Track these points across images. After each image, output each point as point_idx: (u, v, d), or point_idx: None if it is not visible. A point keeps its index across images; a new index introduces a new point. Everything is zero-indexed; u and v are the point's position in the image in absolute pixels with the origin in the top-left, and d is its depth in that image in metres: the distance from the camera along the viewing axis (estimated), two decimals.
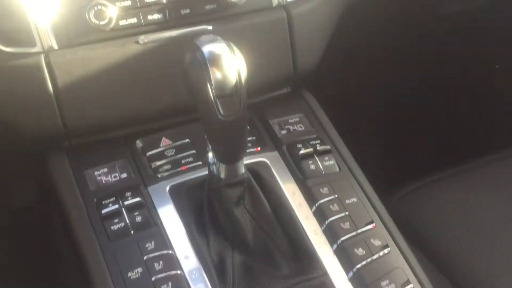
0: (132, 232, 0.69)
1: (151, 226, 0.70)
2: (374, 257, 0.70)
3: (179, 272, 0.66)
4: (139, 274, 0.65)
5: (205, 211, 0.73)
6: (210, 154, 0.70)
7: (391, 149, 1.37)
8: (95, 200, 0.72)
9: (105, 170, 0.75)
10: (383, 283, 0.67)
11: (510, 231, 0.98)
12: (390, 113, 1.37)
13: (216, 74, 0.60)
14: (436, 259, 0.92)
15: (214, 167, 0.71)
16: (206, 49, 0.61)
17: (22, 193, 1.16)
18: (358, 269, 0.69)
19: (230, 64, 0.61)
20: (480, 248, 0.96)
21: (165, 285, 0.65)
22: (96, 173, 0.75)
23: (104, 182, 0.74)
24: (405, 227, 0.78)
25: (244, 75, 0.62)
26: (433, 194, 1.07)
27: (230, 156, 0.68)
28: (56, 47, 0.72)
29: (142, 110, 0.78)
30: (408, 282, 0.69)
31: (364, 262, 0.69)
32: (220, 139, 0.65)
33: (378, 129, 1.35)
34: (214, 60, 0.60)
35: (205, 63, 0.60)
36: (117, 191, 0.73)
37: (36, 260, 1.09)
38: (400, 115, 1.37)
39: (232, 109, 0.62)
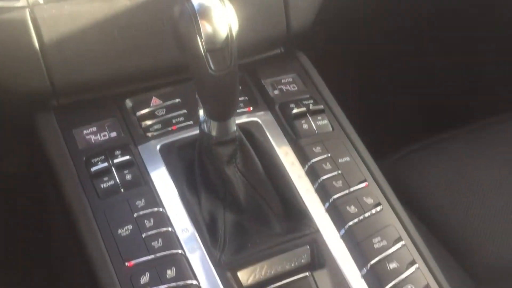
0: (122, 190, 0.68)
1: (141, 185, 0.69)
2: (366, 214, 0.70)
3: (169, 229, 0.66)
4: (129, 231, 0.65)
5: (196, 170, 0.72)
6: (201, 112, 0.69)
7: (384, 113, 1.36)
8: (84, 158, 0.71)
9: (94, 129, 0.74)
10: (375, 240, 0.67)
11: (502, 192, 0.99)
12: (385, 76, 1.35)
13: (206, 27, 0.58)
14: (427, 220, 0.93)
15: (205, 125, 0.70)
16: (196, 1, 0.59)
17: (13, 158, 1.15)
18: (350, 226, 0.68)
19: (221, 17, 0.59)
20: (472, 208, 0.97)
21: (156, 242, 0.64)
22: (85, 132, 0.74)
23: (93, 141, 0.73)
24: (397, 189, 0.78)
25: (235, 29, 0.60)
26: (426, 158, 1.07)
27: (221, 113, 0.67)
28: (41, 1, 0.70)
29: (131, 68, 0.76)
30: (399, 239, 0.68)
31: (356, 220, 0.69)
32: (211, 95, 0.64)
33: (372, 92, 1.34)
34: (204, 12, 0.59)
35: (194, 15, 0.58)
36: (107, 150, 0.71)
37: (27, 225, 1.09)
38: (394, 78, 1.36)
39: (223, 64, 0.61)
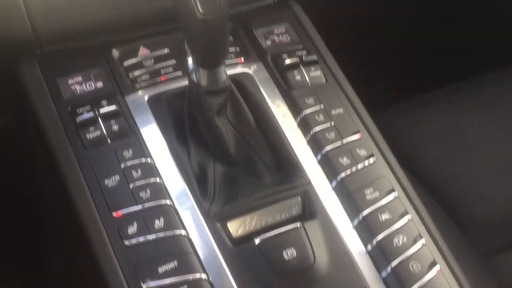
0: (108, 140, 0.66)
1: (129, 135, 0.67)
2: (359, 166, 0.68)
3: (158, 180, 0.64)
4: (116, 181, 0.63)
5: (186, 121, 0.70)
6: (190, 60, 0.67)
7: (378, 68, 1.34)
8: (69, 108, 0.68)
9: (79, 79, 0.71)
10: (367, 191, 0.66)
11: (493, 147, 0.99)
12: (381, 32, 1.32)
13: None
14: (418, 173, 0.92)
15: (194, 74, 0.67)
16: None
17: (1, 114, 1.13)
18: (342, 178, 0.67)
19: None
20: (463, 162, 0.97)
21: (144, 192, 0.63)
22: (69, 81, 0.71)
23: (78, 91, 0.70)
24: (389, 144, 0.78)
25: None
26: (419, 114, 1.06)
27: (210, 59, 0.64)
28: None
29: (117, 15, 0.73)
30: (392, 190, 0.67)
31: (348, 171, 0.68)
32: (199, 40, 0.61)
33: (366, 47, 1.31)
34: None
35: None
36: (92, 100, 0.69)
37: (14, 183, 1.07)
38: (389, 33, 1.33)
39: (211, 6, 0.58)
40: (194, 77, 0.67)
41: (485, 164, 0.99)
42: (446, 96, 1.11)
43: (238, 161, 0.71)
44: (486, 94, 1.11)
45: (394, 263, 0.62)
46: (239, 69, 0.76)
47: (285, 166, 0.69)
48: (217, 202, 0.65)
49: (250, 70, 0.76)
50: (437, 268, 0.63)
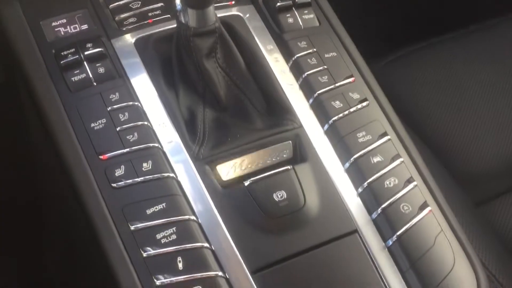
0: (94, 83, 0.64)
1: (115, 78, 0.65)
2: (352, 109, 0.67)
3: (145, 123, 0.63)
4: (102, 124, 0.62)
5: (174, 64, 0.68)
6: (178, 0, 0.64)
7: (374, 15, 1.31)
8: (53, 51, 0.66)
9: (64, 21, 0.69)
10: (359, 135, 0.65)
11: (488, 97, 0.97)
12: None
13: None
14: (413, 121, 0.91)
15: (182, 15, 0.65)
16: None
17: None
18: (334, 121, 0.66)
19: None
20: (457, 112, 0.96)
21: (131, 136, 0.61)
22: (53, 24, 0.68)
23: (62, 33, 0.68)
24: (384, 91, 0.76)
25: None
26: (415, 62, 1.05)
27: None
28: None
29: None
30: (385, 134, 0.66)
31: (341, 115, 0.66)
32: None
33: None
34: None
35: None
36: (77, 42, 0.67)
37: (5, 142, 1.06)
38: None
39: None
40: (182, 18, 0.65)
41: (480, 115, 0.98)
42: (442, 44, 1.08)
43: (228, 105, 0.69)
44: (482, 43, 1.08)
45: (385, 204, 0.61)
46: (229, 12, 0.74)
47: (277, 110, 0.68)
48: (206, 146, 0.64)
49: (241, 12, 0.74)
50: (428, 209, 0.62)
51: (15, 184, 1.07)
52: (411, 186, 0.63)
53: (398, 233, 0.60)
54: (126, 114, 0.63)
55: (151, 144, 0.61)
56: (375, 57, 1.00)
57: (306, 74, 0.69)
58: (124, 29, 0.70)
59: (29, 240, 0.98)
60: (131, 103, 0.64)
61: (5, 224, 0.99)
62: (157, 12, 0.72)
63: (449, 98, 0.99)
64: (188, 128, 0.65)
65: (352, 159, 0.64)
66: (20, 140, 1.01)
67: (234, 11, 0.74)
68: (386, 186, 0.62)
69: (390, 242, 0.60)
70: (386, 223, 0.61)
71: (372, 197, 0.62)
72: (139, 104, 0.64)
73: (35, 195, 0.94)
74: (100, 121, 0.62)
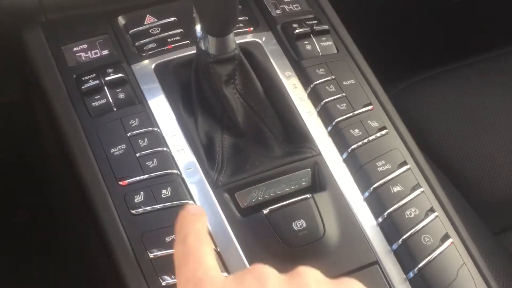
0: (114, 109, 0.65)
1: (135, 103, 0.66)
2: (371, 138, 0.67)
3: (165, 149, 0.63)
4: (122, 150, 0.62)
5: (193, 91, 0.68)
6: (198, 27, 0.65)
7: (389, 42, 1.31)
8: (74, 76, 0.67)
9: (85, 46, 0.70)
10: (379, 163, 0.64)
11: (501, 124, 0.97)
12: (391, 6, 1.29)
13: None
14: (428, 150, 0.91)
15: (202, 42, 0.65)
16: None
17: (5, 88, 1.11)
18: (353, 149, 0.65)
19: None
20: (471, 139, 0.96)
21: (150, 162, 0.61)
22: (74, 49, 0.69)
23: (83, 58, 0.69)
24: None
25: None
26: (428, 89, 1.05)
27: (220, 25, 0.62)
28: None
29: None
30: (405, 163, 0.66)
31: (360, 143, 0.66)
32: (209, 5, 0.59)
33: (377, 21, 1.29)
34: None
35: None
36: (98, 68, 0.67)
37: (21, 160, 1.07)
38: (400, 8, 1.30)
39: None
40: (202, 45, 0.65)
41: (493, 143, 0.98)
42: (454, 71, 1.09)
43: (246, 132, 0.69)
44: (494, 70, 1.09)
45: (406, 235, 0.60)
46: (248, 38, 0.74)
47: (295, 137, 0.68)
48: (225, 173, 0.64)
49: (259, 39, 0.74)
50: (449, 241, 0.61)
51: (32, 207, 1.07)
52: (432, 217, 0.62)
53: (420, 265, 0.59)
54: (146, 140, 0.63)
55: (170, 171, 0.61)
56: (386, 86, 1.01)
57: (324, 101, 0.69)
58: (144, 54, 0.71)
59: (43, 262, 0.98)
60: (150, 129, 0.64)
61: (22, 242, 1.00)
62: (177, 38, 0.73)
63: (463, 126, 0.98)
64: (206, 154, 0.65)
65: (371, 188, 0.63)
66: (35, 160, 1.01)
67: (252, 38, 0.74)
68: (406, 216, 0.62)
69: (411, 275, 0.59)
70: (407, 255, 0.60)
71: (392, 227, 0.61)
72: (159, 130, 0.64)
73: (52, 220, 0.94)
74: (120, 146, 0.62)
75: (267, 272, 0.45)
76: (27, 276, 1.02)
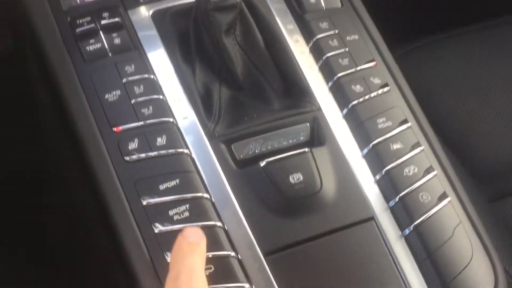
0: (110, 54, 0.63)
1: (131, 49, 0.63)
2: (372, 94, 0.65)
3: (161, 97, 0.61)
4: (117, 96, 0.60)
5: (191, 39, 0.66)
6: None
7: (394, 3, 1.28)
8: (68, 19, 0.64)
9: None
10: (379, 120, 0.63)
11: (504, 92, 0.96)
12: None
13: None
14: (429, 116, 0.90)
15: None
16: None
17: None
18: (353, 105, 0.64)
19: None
20: (474, 106, 0.95)
21: (146, 109, 0.60)
22: None
23: (78, 1, 0.66)
24: None
25: None
26: (431, 55, 1.03)
27: None
28: None
29: None
30: (405, 121, 0.64)
31: (361, 99, 0.64)
32: None
33: None
34: None
35: None
36: (93, 11, 0.65)
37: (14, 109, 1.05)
38: None
39: None
40: None
41: (496, 110, 0.96)
42: (458, 38, 1.06)
43: (245, 85, 0.67)
44: (499, 38, 1.06)
45: (403, 192, 0.59)
46: None
47: (295, 91, 0.66)
48: (222, 124, 0.62)
49: None
50: (447, 200, 0.61)
51: (19, 158, 1.05)
52: (430, 175, 0.62)
53: (416, 222, 0.58)
54: (142, 87, 0.61)
55: (166, 119, 0.60)
56: (391, 47, 0.98)
57: (326, 56, 0.67)
58: (141, 0, 0.68)
59: (31, 211, 0.96)
60: (146, 75, 0.62)
61: (5, 196, 0.98)
62: None
63: (466, 92, 0.97)
64: (203, 105, 0.63)
65: (371, 145, 0.62)
66: (26, 112, 0.99)
67: None
68: (405, 174, 0.61)
69: (407, 231, 0.58)
70: (403, 212, 0.59)
71: (390, 184, 0.60)
72: (155, 77, 0.62)
73: (40, 169, 0.93)
74: (114, 92, 0.60)
75: None
76: (17, 232, 1.02)
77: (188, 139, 0.60)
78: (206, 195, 0.56)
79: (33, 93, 0.95)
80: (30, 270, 0.95)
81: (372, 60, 0.68)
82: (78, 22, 0.64)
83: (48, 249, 0.92)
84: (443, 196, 0.61)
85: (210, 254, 0.54)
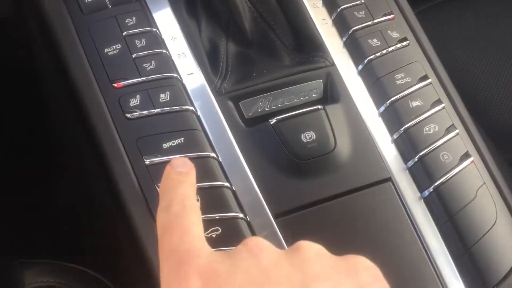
0: (109, 5, 0.58)
1: (132, 1, 0.59)
2: (390, 49, 0.60)
3: (164, 51, 0.57)
4: (117, 50, 0.56)
5: None
6: None
7: None
8: None
9: None
10: (398, 76, 0.59)
11: None
12: None
13: None
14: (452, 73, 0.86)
15: None
16: None
17: None
18: (370, 60, 0.59)
19: None
20: (492, 66, 0.90)
21: (148, 64, 0.56)
22: None
23: None
24: None
25: None
26: (448, 13, 0.97)
27: None
28: None
29: None
30: (426, 77, 0.60)
31: (378, 54, 0.60)
32: None
33: None
34: None
35: None
36: None
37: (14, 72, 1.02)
38: None
39: None
40: None
41: None
42: None
43: (254, 40, 0.63)
44: None
45: (423, 152, 0.55)
46: None
47: (307, 46, 0.62)
48: (229, 80, 0.58)
49: None
50: (470, 159, 0.57)
51: (22, 121, 1.03)
52: (452, 134, 0.58)
53: (436, 183, 0.55)
54: (143, 40, 0.57)
55: (169, 74, 0.56)
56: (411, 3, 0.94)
57: (341, 8, 0.62)
58: None
59: (36, 169, 0.94)
60: (148, 28, 0.58)
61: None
62: None
63: (482, 51, 0.92)
64: (209, 60, 0.60)
65: (388, 102, 0.58)
66: (26, 76, 0.96)
67: None
68: (425, 132, 0.57)
69: (426, 193, 0.55)
70: (423, 172, 0.55)
71: (409, 143, 0.56)
72: (158, 31, 0.59)
73: (43, 130, 0.90)
74: (114, 46, 0.56)
75: (262, 244, 0.40)
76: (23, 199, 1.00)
77: (193, 96, 0.56)
78: (212, 154, 0.53)
79: (33, 55, 0.91)
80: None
81: (390, 13, 0.64)
82: None
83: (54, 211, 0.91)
84: (466, 156, 0.57)
85: (218, 216, 0.51)
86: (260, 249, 0.40)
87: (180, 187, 0.45)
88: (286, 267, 0.39)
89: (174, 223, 0.42)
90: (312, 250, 0.40)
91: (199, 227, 0.43)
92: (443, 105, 0.59)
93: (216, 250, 0.42)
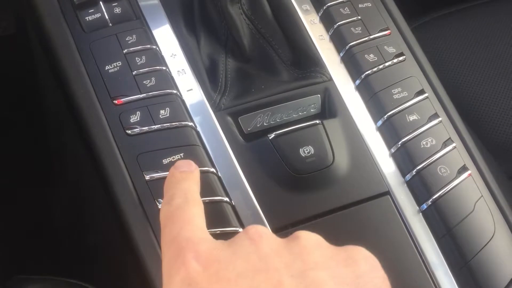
0: (110, 24, 0.60)
1: (132, 19, 0.60)
2: (387, 64, 0.61)
3: (164, 68, 0.58)
4: (118, 67, 0.57)
5: (195, 8, 0.63)
6: None
7: None
8: None
9: None
10: (395, 91, 0.60)
11: None
12: None
13: None
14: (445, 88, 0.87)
15: None
16: None
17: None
18: (367, 75, 0.60)
19: None
20: (487, 79, 0.91)
21: (148, 81, 0.57)
22: None
23: None
24: None
25: None
26: (446, 26, 0.98)
27: None
28: None
29: None
30: (422, 92, 0.61)
31: (374, 69, 0.61)
32: None
33: None
34: None
35: None
36: None
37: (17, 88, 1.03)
38: None
39: None
40: None
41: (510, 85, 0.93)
42: (473, 9, 1.02)
43: (252, 56, 0.64)
44: None
45: (420, 165, 0.56)
46: None
47: (305, 62, 0.63)
48: (228, 96, 0.59)
49: None
50: (467, 173, 0.57)
51: (24, 135, 1.04)
52: (449, 147, 0.58)
53: (435, 196, 0.55)
54: (143, 58, 0.58)
55: (169, 91, 0.57)
56: (409, 18, 0.95)
57: (338, 24, 0.63)
58: None
59: (35, 186, 0.95)
60: (148, 46, 0.59)
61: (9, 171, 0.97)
62: None
63: (482, 66, 0.93)
64: (209, 77, 0.60)
65: (385, 116, 0.58)
66: (29, 92, 0.97)
67: None
68: (422, 146, 0.57)
69: (425, 206, 0.55)
70: (421, 186, 0.56)
71: (406, 157, 0.57)
72: (157, 48, 0.59)
73: (45, 145, 0.91)
74: (115, 63, 0.57)
75: (262, 232, 0.41)
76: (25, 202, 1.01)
77: (193, 112, 0.57)
78: (212, 169, 0.54)
79: (36, 71, 0.92)
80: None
81: (386, 28, 0.65)
82: None
83: (53, 226, 0.91)
84: (463, 169, 0.58)
85: (218, 231, 0.51)
86: (260, 237, 0.40)
87: (183, 182, 0.46)
88: (286, 255, 0.39)
89: (176, 214, 0.43)
90: (311, 240, 0.41)
91: (201, 218, 0.43)
92: (440, 119, 0.60)
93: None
